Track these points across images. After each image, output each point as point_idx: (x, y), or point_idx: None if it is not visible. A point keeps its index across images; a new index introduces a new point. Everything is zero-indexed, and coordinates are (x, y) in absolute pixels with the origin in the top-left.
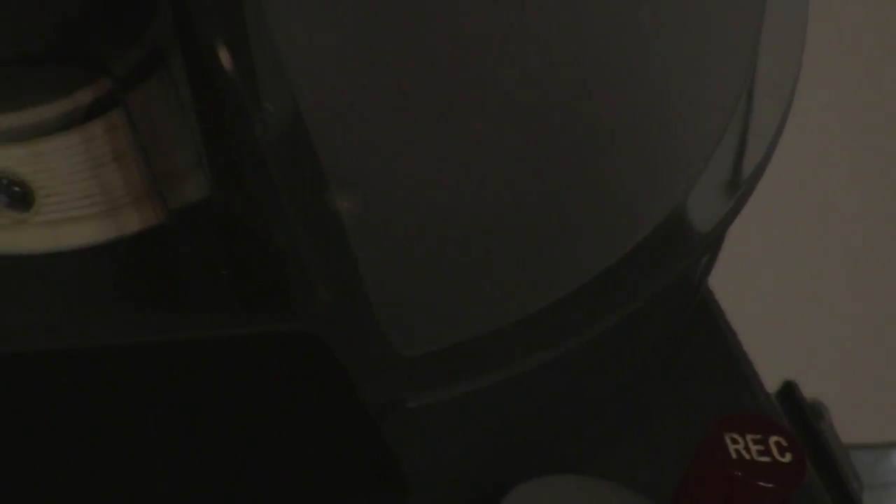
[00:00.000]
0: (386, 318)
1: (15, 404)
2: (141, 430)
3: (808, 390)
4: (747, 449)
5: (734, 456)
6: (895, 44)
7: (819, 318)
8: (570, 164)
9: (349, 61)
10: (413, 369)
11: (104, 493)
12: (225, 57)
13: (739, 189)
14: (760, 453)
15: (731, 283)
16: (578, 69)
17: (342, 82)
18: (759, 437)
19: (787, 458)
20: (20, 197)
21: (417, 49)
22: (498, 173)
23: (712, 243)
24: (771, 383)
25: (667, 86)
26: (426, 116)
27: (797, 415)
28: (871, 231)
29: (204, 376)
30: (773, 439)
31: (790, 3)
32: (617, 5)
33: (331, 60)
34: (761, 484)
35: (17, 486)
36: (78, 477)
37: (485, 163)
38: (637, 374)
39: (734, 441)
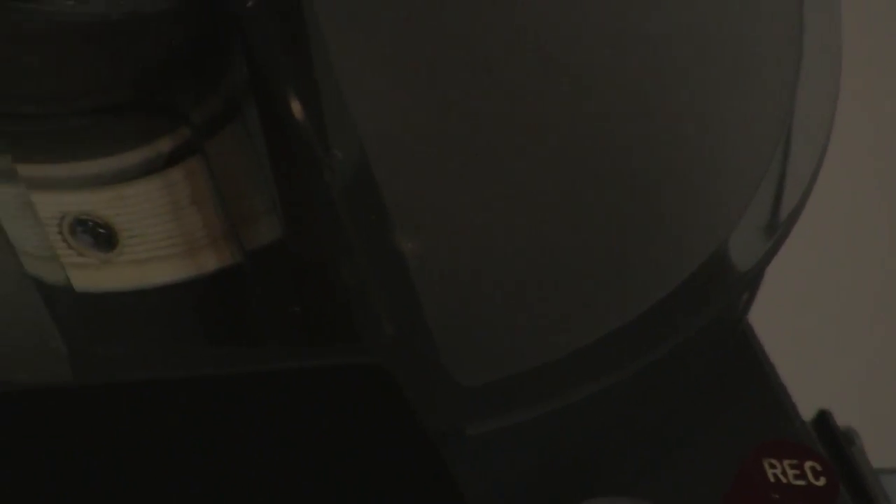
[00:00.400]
0: (447, 350)
1: (106, 432)
2: (216, 456)
3: (841, 419)
4: (784, 473)
5: (772, 479)
6: None
7: (851, 352)
8: (621, 209)
9: (412, 111)
10: (472, 399)
11: None
12: (296, 107)
13: (777, 231)
14: (796, 477)
15: (769, 317)
16: (629, 121)
17: (406, 131)
18: (795, 461)
19: (822, 481)
20: (105, 238)
21: (475, 99)
22: (552, 216)
23: (751, 281)
24: (806, 412)
25: (711, 134)
26: (485, 161)
27: (830, 441)
28: None
29: (276, 405)
30: (808, 464)
31: (825, 56)
32: (666, 57)
33: (395, 110)
34: (798, 502)
35: None
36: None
37: (539, 205)
38: (680, 403)
39: (772, 466)
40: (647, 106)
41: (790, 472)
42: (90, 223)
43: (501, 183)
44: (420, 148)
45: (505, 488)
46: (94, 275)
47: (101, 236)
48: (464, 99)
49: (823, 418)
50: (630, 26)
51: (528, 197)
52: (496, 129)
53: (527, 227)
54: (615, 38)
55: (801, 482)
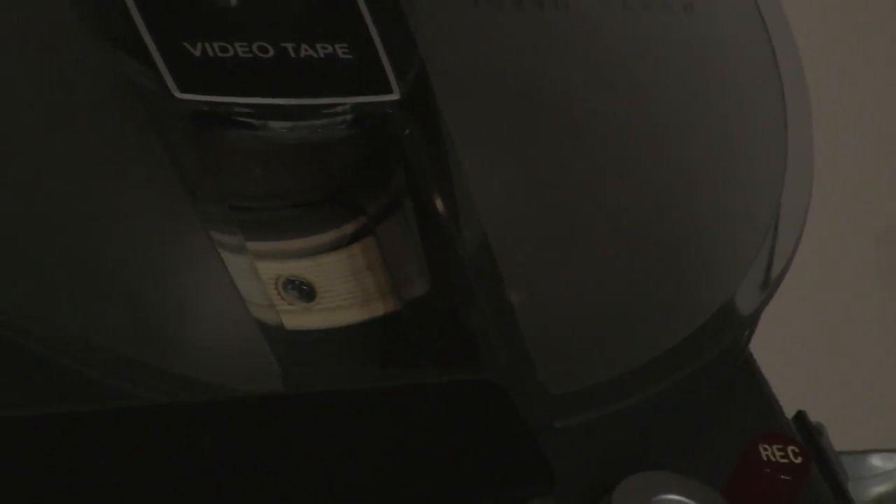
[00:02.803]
0: (540, 371)
1: (307, 430)
2: (378, 446)
3: (813, 416)
4: (773, 454)
5: (765, 458)
6: None
7: (821, 369)
8: (664, 274)
9: (515, 204)
10: (558, 403)
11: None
12: (438, 202)
13: (769, 286)
14: (782, 457)
15: (763, 344)
16: (677, 212)
17: (511, 218)
18: (780, 446)
19: (799, 460)
20: (307, 292)
21: (555, 200)
22: (616, 278)
23: (752, 322)
24: (789, 411)
25: (726, 222)
26: (567, 239)
27: (805, 432)
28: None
29: (420, 411)
30: (790, 448)
31: (803, 158)
32: (698, 167)
33: (505, 203)
34: (782, 476)
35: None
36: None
37: (605, 269)
38: (698, 406)
39: (765, 449)
40: (688, 203)
41: (777, 454)
42: (297, 282)
43: (579, 254)
44: (521, 230)
45: (580, 465)
46: (299, 318)
47: (304, 291)
48: (547, 199)
49: (800, 416)
50: (676, 139)
51: (597, 263)
52: (572, 219)
53: (595, 284)
54: (661, 149)
55: (785, 460)
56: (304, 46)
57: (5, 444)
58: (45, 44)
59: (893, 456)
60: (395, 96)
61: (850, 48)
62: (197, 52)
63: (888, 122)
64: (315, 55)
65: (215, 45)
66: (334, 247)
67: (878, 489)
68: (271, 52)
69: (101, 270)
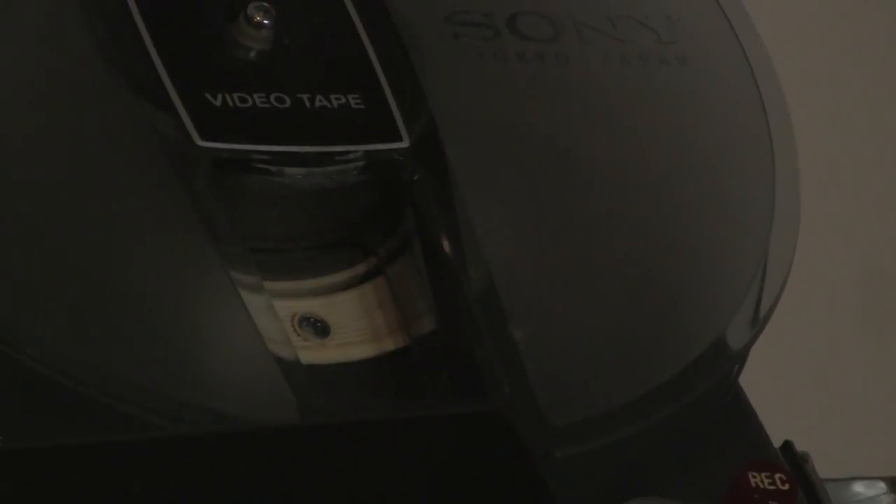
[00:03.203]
0: (543, 403)
1: (324, 462)
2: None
3: (800, 445)
4: (762, 481)
5: (754, 485)
6: None
7: (810, 400)
8: (661, 313)
9: (518, 247)
10: (560, 433)
11: None
12: (445, 244)
13: (758, 323)
14: (770, 484)
15: (753, 377)
16: (663, 251)
17: (513, 259)
18: (769, 474)
19: (786, 487)
20: (321, 329)
21: (556, 240)
22: (614, 318)
23: (741, 357)
24: (776, 441)
25: (720, 268)
26: (567, 278)
27: (792, 460)
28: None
29: (428, 441)
30: (777, 475)
31: (789, 198)
32: (682, 201)
33: (508, 245)
34: (770, 502)
35: None
36: None
37: (603, 303)
38: (692, 436)
39: (754, 476)
40: (681, 245)
41: (766, 481)
42: (311, 319)
43: (579, 292)
44: (524, 270)
45: (583, 491)
46: (314, 353)
47: (319, 328)
48: (548, 241)
49: (787, 446)
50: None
51: (596, 301)
52: (573, 260)
53: (594, 320)
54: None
55: (773, 487)
56: (318, 97)
57: (34, 473)
58: (75, 95)
59: (875, 483)
60: (404, 144)
61: (836, 94)
62: (217, 103)
63: (871, 169)
64: (329, 105)
65: (235, 95)
66: (347, 286)
67: None
68: (288, 103)
69: (128, 308)
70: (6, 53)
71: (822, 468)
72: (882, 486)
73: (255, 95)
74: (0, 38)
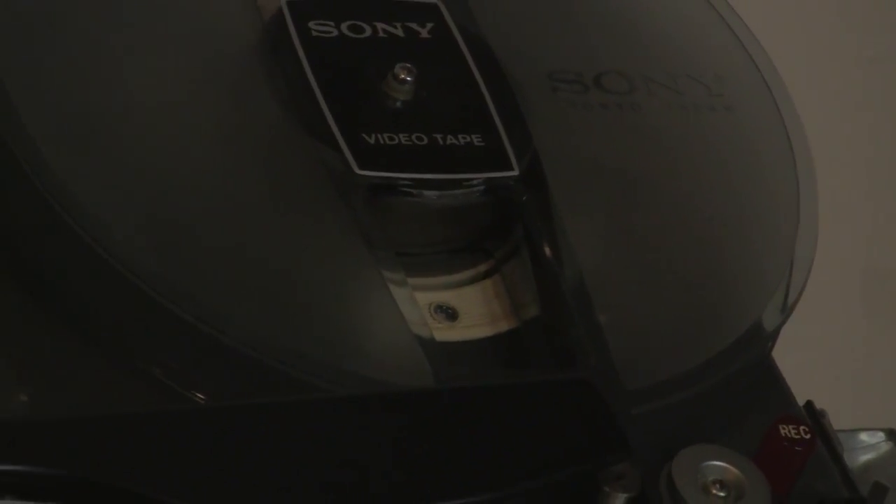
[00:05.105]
0: (622, 372)
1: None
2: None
3: (818, 404)
4: (789, 432)
5: (783, 435)
6: None
7: (826, 368)
8: (709, 302)
9: (603, 248)
10: (634, 395)
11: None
12: (546, 250)
13: (786, 311)
14: (795, 434)
15: (782, 352)
16: (712, 256)
17: (599, 259)
18: (794, 427)
19: (808, 436)
20: (451, 314)
21: (633, 240)
22: (676, 302)
23: (773, 336)
24: (800, 400)
25: (754, 261)
26: (641, 272)
27: (812, 416)
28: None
29: (533, 402)
30: (801, 427)
31: (810, 213)
32: (728, 216)
33: (596, 249)
34: (796, 448)
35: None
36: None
37: (667, 295)
38: (735, 397)
39: (783, 428)
40: (727, 250)
41: (792, 432)
42: (444, 307)
43: (649, 287)
44: (607, 270)
45: (648, 440)
46: (445, 332)
47: (449, 314)
48: (627, 248)
49: (808, 405)
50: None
51: (662, 293)
52: (645, 262)
53: (661, 308)
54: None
55: (798, 437)
56: (449, 136)
57: (227, 429)
58: (264, 136)
59: (876, 433)
60: (515, 172)
61: (847, 118)
62: (371, 140)
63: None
64: (457, 143)
65: (385, 135)
66: (471, 281)
67: (865, 457)
68: (426, 141)
69: (302, 297)
70: (210, 103)
71: (836, 421)
72: (881, 434)
73: (401, 134)
74: (204, 92)
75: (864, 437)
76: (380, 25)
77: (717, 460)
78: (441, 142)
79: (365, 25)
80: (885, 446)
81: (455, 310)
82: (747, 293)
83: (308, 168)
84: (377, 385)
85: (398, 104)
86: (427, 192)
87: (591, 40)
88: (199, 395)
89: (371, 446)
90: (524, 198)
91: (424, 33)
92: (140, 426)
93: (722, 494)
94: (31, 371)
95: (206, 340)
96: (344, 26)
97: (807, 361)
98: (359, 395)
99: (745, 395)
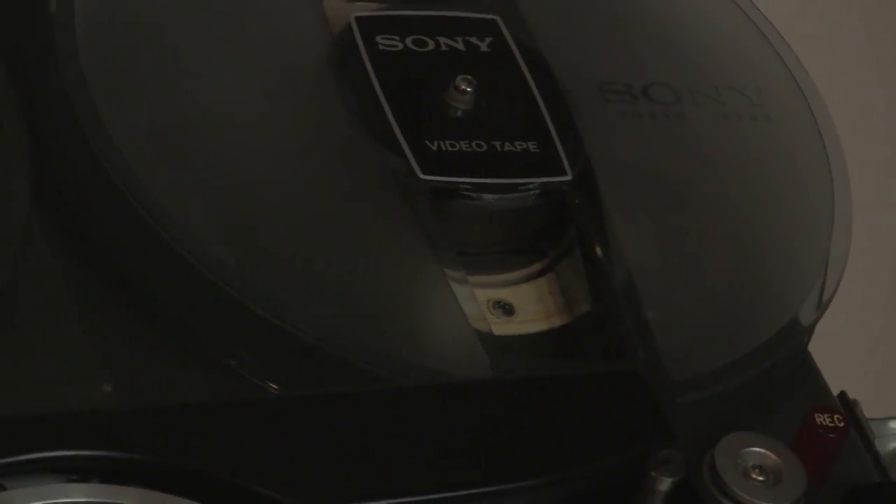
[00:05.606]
0: (668, 364)
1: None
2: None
3: (852, 394)
4: (824, 420)
5: (818, 423)
6: None
7: (859, 360)
8: (750, 298)
9: (650, 249)
10: (678, 387)
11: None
12: (598, 251)
13: (821, 307)
14: (830, 422)
15: (818, 345)
16: (754, 256)
17: (641, 258)
18: (829, 415)
19: (842, 424)
20: (508, 310)
21: (679, 241)
22: (718, 299)
23: (810, 331)
24: (834, 391)
25: (793, 260)
26: (685, 271)
27: (846, 405)
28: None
29: (585, 392)
30: (835, 416)
31: (843, 217)
32: (769, 218)
33: (644, 249)
34: (830, 435)
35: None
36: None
37: (710, 293)
38: (774, 388)
39: (819, 416)
40: (767, 250)
41: (827, 420)
42: (501, 303)
43: (693, 285)
44: (654, 269)
45: (692, 428)
46: (502, 327)
47: (507, 309)
48: (672, 248)
49: (842, 394)
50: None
51: (706, 291)
52: (689, 262)
53: (705, 305)
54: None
55: (832, 424)
56: (506, 143)
57: (294, 418)
58: (335, 143)
59: None
60: (568, 177)
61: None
62: (434, 147)
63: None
64: (514, 149)
65: (446, 142)
66: (527, 279)
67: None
68: (485, 147)
69: (369, 295)
70: (285, 113)
71: (868, 410)
72: None
73: (461, 142)
74: (280, 103)
75: (894, 425)
76: (442, 40)
77: (756, 447)
78: (499, 149)
79: (428, 40)
80: None
81: (512, 306)
82: (785, 291)
83: (375, 173)
84: (440, 376)
85: (459, 113)
86: (486, 196)
87: (640, 53)
88: (272, 385)
89: (434, 433)
90: (576, 201)
91: (484, 47)
92: (217, 415)
93: (761, 479)
94: (116, 363)
95: (280, 335)
96: (408, 41)
97: (841, 354)
98: (423, 385)
99: (782, 386)
